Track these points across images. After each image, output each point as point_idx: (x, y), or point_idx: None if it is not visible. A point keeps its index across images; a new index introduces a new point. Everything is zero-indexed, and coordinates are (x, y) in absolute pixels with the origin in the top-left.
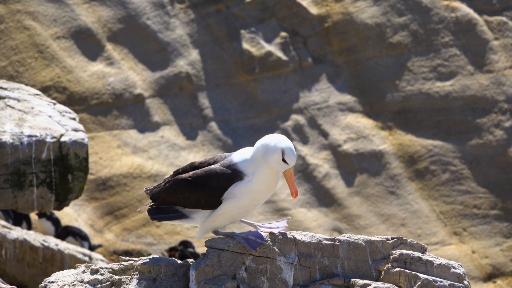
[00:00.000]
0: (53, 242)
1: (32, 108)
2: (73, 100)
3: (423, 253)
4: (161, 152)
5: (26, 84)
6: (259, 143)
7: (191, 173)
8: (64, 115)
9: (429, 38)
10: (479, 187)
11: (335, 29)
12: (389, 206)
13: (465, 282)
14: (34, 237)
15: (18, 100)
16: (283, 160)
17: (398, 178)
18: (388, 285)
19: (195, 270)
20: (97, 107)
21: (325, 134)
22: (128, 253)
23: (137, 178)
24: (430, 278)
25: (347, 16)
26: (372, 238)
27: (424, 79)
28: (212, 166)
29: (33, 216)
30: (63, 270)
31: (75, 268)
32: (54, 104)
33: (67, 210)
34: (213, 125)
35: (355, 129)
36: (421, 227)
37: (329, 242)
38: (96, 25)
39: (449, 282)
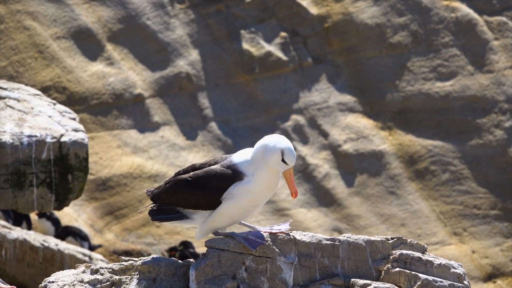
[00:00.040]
0: (53, 242)
1: (32, 108)
2: (73, 100)
3: (423, 253)
4: (161, 152)
5: (26, 84)
6: (259, 143)
7: (191, 173)
8: (64, 115)
9: (429, 38)
10: (479, 187)
11: (335, 29)
12: (389, 206)
13: (465, 282)
14: (34, 237)
15: (18, 100)
16: (283, 160)
17: (398, 178)
18: (388, 285)
19: (195, 270)
20: (97, 107)
21: (325, 134)
22: (128, 253)
23: (137, 178)
24: (430, 278)
25: (347, 16)
26: (372, 238)
27: (424, 79)
28: (212, 167)
29: (33, 216)
30: (63, 270)
31: (75, 268)
32: (54, 104)
33: (67, 210)
34: (213, 125)
35: (355, 129)
36: (421, 227)
37: (329, 242)
38: (96, 25)
39: (449, 282)
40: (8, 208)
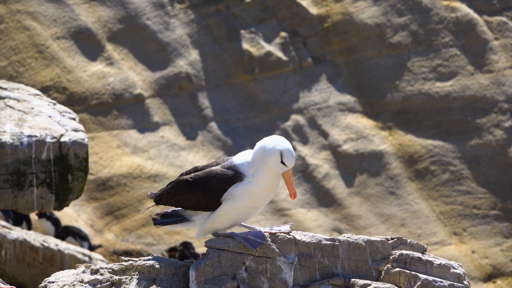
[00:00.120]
0: (53, 242)
1: (32, 108)
2: (73, 100)
3: (423, 253)
4: (161, 152)
5: (26, 84)
6: (258, 145)
7: (192, 174)
8: (64, 115)
9: (429, 38)
10: (479, 187)
11: (335, 29)
12: (389, 206)
13: (465, 282)
14: (34, 237)
15: (18, 100)
16: (282, 162)
17: (398, 178)
18: (388, 285)
19: (195, 270)
20: (97, 107)
21: (325, 134)
22: (128, 253)
23: (137, 178)
24: (430, 278)
25: (347, 16)
26: (372, 238)
27: (424, 79)
28: (213, 168)
29: (33, 216)
30: (63, 270)
31: (75, 268)
32: (54, 104)
33: (67, 210)
34: (213, 125)
35: (355, 129)
36: (421, 227)
37: (329, 242)
38: (96, 25)
39: (449, 282)
40: (8, 208)
